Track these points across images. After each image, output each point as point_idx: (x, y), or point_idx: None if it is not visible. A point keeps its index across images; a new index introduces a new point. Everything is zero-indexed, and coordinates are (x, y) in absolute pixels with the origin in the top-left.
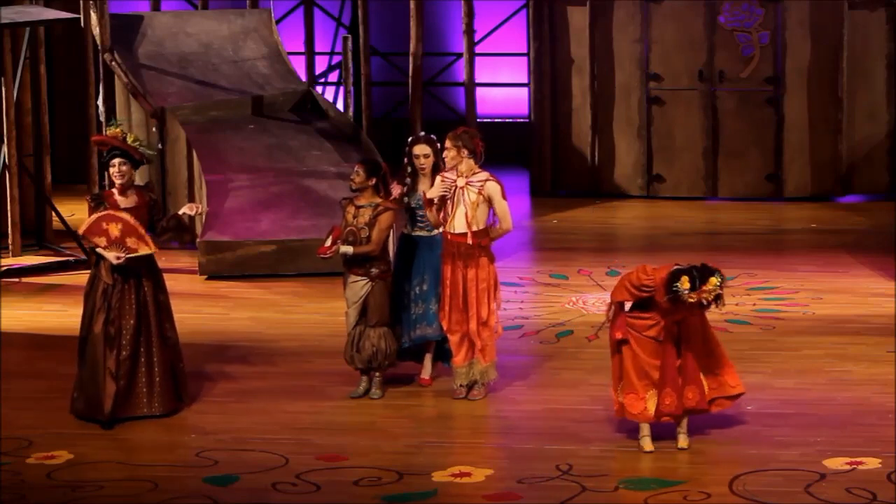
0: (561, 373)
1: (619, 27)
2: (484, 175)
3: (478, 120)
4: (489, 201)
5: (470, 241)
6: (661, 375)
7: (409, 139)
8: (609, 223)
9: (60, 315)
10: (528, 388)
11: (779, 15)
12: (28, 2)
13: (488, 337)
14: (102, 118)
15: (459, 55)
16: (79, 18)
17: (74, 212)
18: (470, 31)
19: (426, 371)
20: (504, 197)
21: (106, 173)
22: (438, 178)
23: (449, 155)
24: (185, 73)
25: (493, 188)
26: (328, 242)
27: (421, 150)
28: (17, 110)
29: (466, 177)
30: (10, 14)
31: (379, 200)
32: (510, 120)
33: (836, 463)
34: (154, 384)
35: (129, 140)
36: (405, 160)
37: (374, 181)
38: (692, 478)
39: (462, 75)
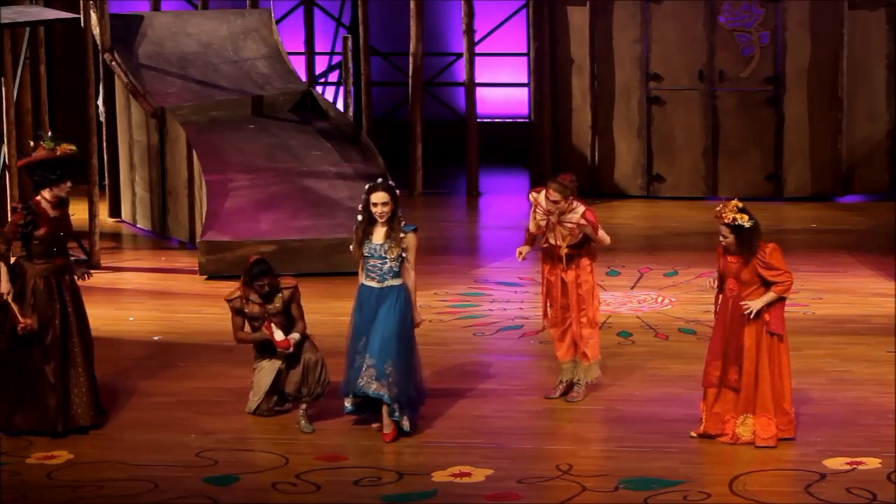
0: None
1: (620, 27)
2: (577, 214)
3: (478, 120)
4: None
5: (564, 251)
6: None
7: (367, 186)
8: (609, 223)
9: None
10: (528, 388)
11: (779, 15)
12: (28, 2)
13: (589, 335)
14: (103, 118)
15: (459, 55)
16: (79, 18)
17: (75, 212)
18: (470, 31)
19: (386, 426)
20: (597, 230)
21: (51, 189)
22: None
23: (558, 206)
24: (185, 73)
25: (586, 230)
26: (278, 336)
27: (380, 197)
28: (16, 110)
29: (561, 214)
30: (10, 14)
31: (277, 283)
32: (510, 120)
33: (836, 463)
34: (83, 394)
35: (67, 147)
36: (360, 206)
37: (273, 275)
38: (692, 478)
39: (462, 75)
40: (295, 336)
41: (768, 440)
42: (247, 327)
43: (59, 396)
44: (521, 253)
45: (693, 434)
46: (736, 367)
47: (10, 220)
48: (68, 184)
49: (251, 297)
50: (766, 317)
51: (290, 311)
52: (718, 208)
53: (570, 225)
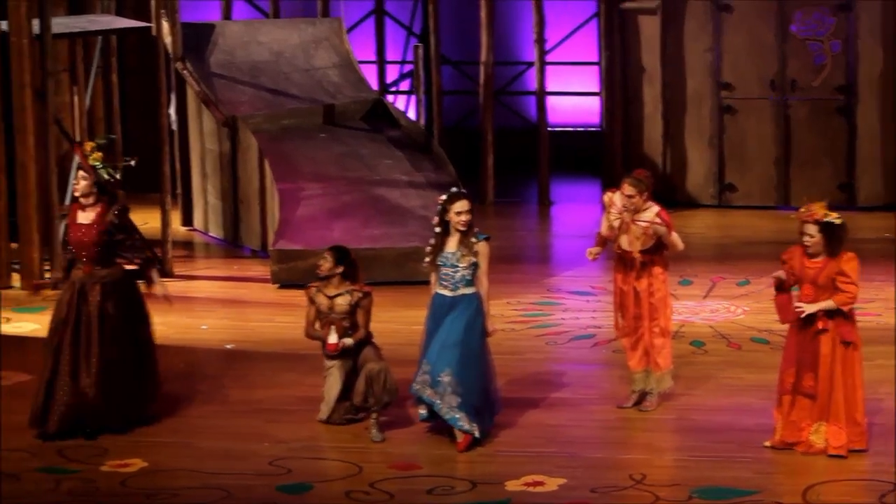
0: None
1: (690, 36)
2: (651, 213)
3: (549, 129)
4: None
5: (637, 257)
6: None
7: (444, 196)
8: (681, 232)
9: None
10: (601, 397)
11: (851, 23)
12: (100, 11)
13: (662, 345)
14: (175, 126)
15: (530, 64)
16: (150, 27)
17: (147, 220)
18: (541, 40)
19: (458, 435)
20: (670, 232)
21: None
22: (614, 215)
23: (633, 201)
24: (256, 81)
25: (660, 230)
26: (332, 339)
27: (464, 206)
28: (89, 119)
29: (635, 211)
30: (83, 23)
31: (350, 287)
32: (581, 129)
33: None
34: (99, 402)
35: (91, 158)
36: (436, 217)
37: (342, 269)
38: (765, 487)
39: (533, 84)
40: (346, 341)
41: (839, 449)
42: (318, 325)
43: (55, 398)
44: (591, 253)
45: (767, 444)
46: (811, 374)
47: None
48: (77, 175)
49: (325, 290)
50: (832, 325)
51: (355, 315)
52: (803, 209)
53: (643, 224)
